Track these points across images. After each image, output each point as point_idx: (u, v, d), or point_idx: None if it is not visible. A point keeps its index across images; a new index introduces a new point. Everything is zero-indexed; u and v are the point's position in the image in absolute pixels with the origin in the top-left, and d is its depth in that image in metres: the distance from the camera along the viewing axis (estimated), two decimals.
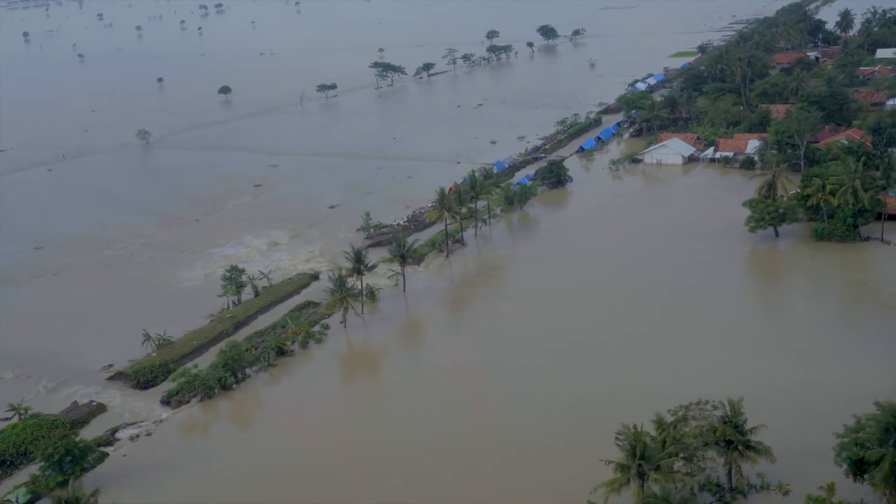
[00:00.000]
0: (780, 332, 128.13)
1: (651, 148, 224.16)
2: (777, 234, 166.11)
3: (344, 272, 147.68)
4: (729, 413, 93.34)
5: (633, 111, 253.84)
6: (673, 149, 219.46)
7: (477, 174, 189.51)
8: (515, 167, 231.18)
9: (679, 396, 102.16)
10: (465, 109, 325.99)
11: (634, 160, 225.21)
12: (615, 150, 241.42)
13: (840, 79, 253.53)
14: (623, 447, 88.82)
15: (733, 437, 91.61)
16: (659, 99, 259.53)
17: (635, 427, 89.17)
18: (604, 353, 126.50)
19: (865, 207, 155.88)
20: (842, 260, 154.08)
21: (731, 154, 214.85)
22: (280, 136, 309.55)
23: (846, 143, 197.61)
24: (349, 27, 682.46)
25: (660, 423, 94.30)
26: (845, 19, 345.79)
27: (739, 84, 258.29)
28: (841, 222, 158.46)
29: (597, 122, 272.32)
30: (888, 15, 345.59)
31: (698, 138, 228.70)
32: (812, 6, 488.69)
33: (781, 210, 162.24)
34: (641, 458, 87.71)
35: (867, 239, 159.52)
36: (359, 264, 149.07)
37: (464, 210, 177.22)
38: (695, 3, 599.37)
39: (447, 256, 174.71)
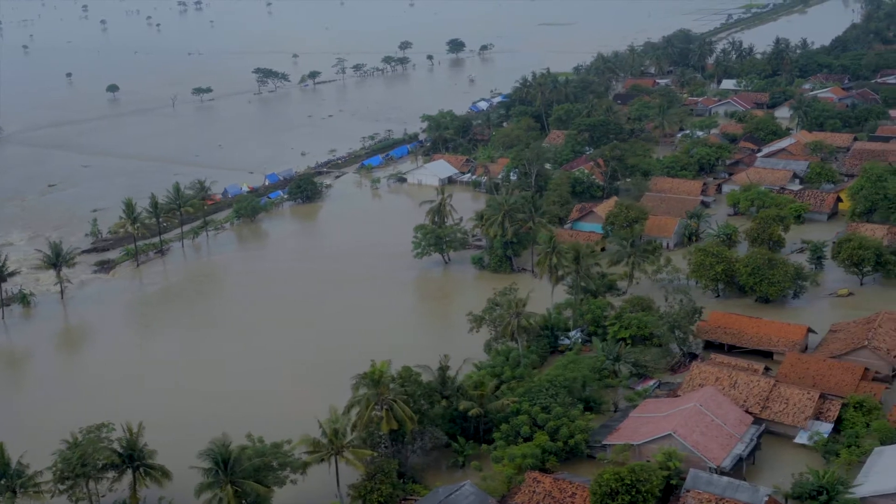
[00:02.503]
0: (339, 359, 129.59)
1: (413, 168, 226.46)
2: (447, 260, 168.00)
3: None
4: (127, 436, 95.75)
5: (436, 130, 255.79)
6: (431, 171, 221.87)
7: (182, 186, 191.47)
8: (292, 180, 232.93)
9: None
10: (314, 119, 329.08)
11: (400, 179, 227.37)
12: (399, 168, 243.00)
13: (643, 108, 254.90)
14: None
15: (113, 459, 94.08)
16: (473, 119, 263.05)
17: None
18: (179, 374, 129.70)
19: (511, 239, 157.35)
20: (483, 290, 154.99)
21: (484, 178, 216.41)
22: (124, 138, 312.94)
23: (577, 173, 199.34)
24: (297, 30, 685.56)
25: (73, 444, 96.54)
26: (700, 49, 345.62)
27: (539, 108, 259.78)
28: (494, 253, 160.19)
29: (412, 139, 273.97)
30: (743, 47, 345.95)
31: (468, 160, 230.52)
32: (725, 34, 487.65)
33: (446, 237, 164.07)
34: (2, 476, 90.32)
35: (521, 270, 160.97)
36: None
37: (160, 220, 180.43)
38: (633, 23, 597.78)
39: (137, 266, 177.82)
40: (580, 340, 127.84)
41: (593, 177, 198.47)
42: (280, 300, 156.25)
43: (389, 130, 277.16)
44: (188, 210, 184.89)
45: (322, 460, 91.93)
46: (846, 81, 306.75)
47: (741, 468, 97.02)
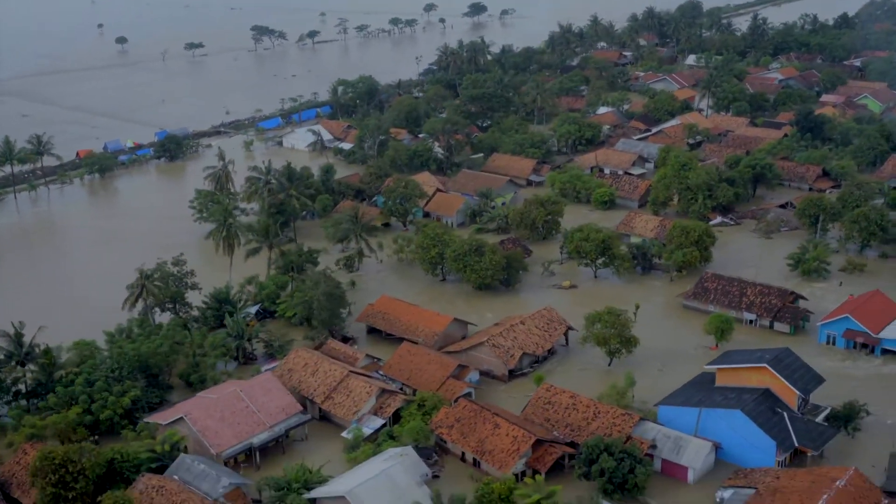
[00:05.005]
0: None
1: (288, 133, 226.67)
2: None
3: None
4: None
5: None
6: (302, 136, 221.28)
7: (13, 141, 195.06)
8: (188, 137, 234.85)
9: None
10: (278, 79, 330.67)
11: (277, 143, 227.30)
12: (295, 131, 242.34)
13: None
14: None
15: None
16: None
17: None
18: None
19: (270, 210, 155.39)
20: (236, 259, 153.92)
21: (351, 145, 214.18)
22: (87, 90, 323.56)
23: (417, 146, 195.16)
24: None
25: None
26: (677, 23, 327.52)
27: (454, 78, 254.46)
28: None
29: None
30: (723, 21, 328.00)
31: (348, 126, 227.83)
32: (753, 8, 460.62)
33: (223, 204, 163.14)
34: None
35: (288, 240, 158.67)
36: None
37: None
38: None
39: None
40: (253, 316, 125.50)
41: (436, 150, 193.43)
42: (49, 256, 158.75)
43: (315, 93, 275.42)
44: (17, 162, 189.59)
45: None
46: (819, 61, 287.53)
47: (253, 457, 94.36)
